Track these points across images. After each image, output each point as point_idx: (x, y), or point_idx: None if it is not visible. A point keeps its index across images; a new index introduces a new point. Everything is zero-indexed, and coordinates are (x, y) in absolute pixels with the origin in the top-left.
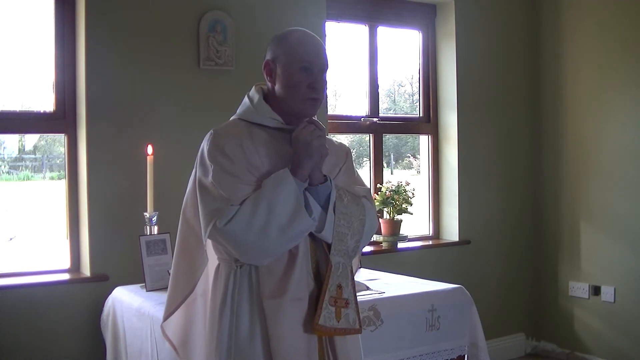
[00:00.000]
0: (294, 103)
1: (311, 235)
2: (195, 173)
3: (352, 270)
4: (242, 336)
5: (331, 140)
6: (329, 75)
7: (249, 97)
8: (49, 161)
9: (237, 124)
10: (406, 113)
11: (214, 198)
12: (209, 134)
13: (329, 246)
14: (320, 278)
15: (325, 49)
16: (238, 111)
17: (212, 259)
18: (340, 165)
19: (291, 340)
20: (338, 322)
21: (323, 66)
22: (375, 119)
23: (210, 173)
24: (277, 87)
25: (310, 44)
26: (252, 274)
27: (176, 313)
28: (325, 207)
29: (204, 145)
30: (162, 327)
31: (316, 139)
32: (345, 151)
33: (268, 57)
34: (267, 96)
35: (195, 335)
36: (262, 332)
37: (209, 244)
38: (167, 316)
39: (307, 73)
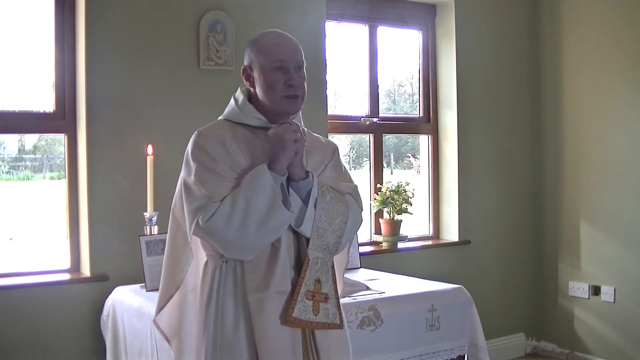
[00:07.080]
0: (274, 103)
1: (293, 230)
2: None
3: (333, 266)
4: (227, 329)
5: (318, 138)
6: (331, 74)
7: (234, 98)
8: (49, 161)
9: (222, 124)
10: (406, 113)
11: (196, 196)
12: (193, 135)
13: (309, 241)
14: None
15: (298, 47)
16: (224, 112)
17: (203, 256)
18: (326, 162)
19: (275, 333)
20: (315, 315)
21: (298, 63)
22: (375, 119)
23: (193, 172)
24: (257, 91)
25: (283, 43)
26: (237, 269)
27: (169, 307)
28: (307, 203)
29: (189, 145)
30: (154, 321)
31: (288, 133)
32: (332, 148)
33: (245, 62)
34: (252, 97)
35: (186, 328)
36: (247, 325)
37: (198, 242)
38: (157, 311)
39: (282, 72)
